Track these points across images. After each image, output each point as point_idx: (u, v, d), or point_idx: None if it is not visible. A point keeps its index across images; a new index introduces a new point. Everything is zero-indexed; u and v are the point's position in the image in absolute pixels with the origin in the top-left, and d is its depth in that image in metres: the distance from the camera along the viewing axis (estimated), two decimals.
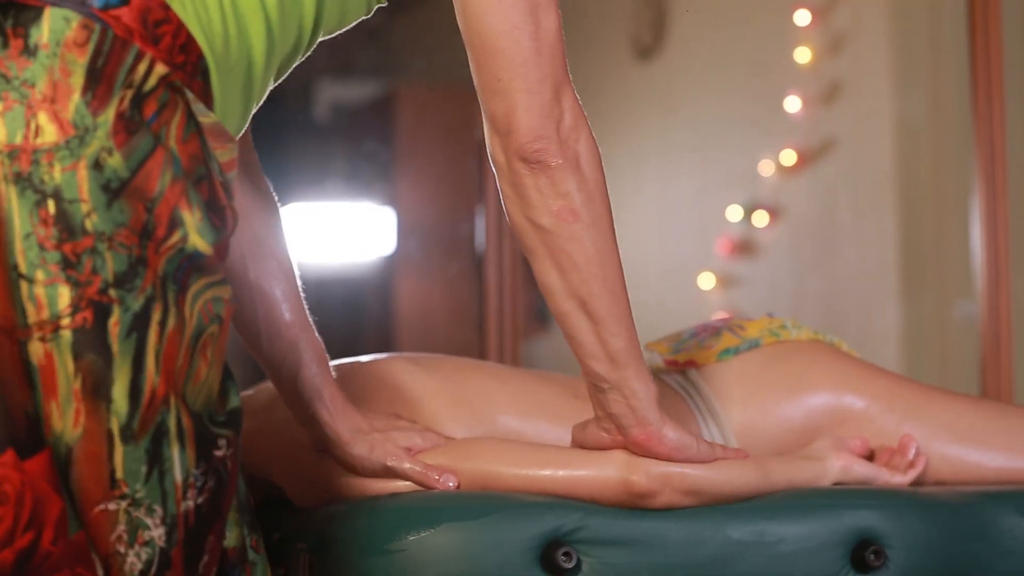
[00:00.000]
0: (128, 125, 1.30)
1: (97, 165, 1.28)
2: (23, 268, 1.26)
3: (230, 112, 1.49)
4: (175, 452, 1.31)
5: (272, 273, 1.74)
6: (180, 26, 1.37)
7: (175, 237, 1.31)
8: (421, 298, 5.61)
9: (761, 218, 4.52)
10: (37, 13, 1.31)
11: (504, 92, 1.62)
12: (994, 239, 3.30)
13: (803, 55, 4.47)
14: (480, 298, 3.55)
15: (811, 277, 4.51)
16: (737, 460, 1.79)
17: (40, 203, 1.26)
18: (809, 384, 2.01)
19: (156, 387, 1.29)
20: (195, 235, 1.33)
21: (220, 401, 1.38)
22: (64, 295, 1.26)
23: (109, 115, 1.29)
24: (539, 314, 4.71)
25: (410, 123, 5.79)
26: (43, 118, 1.28)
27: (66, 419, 1.27)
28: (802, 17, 4.47)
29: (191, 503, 1.32)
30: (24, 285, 1.26)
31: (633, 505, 1.70)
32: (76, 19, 1.31)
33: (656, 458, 1.71)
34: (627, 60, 5.23)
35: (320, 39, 1.62)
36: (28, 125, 1.27)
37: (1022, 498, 1.85)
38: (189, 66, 1.38)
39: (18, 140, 1.27)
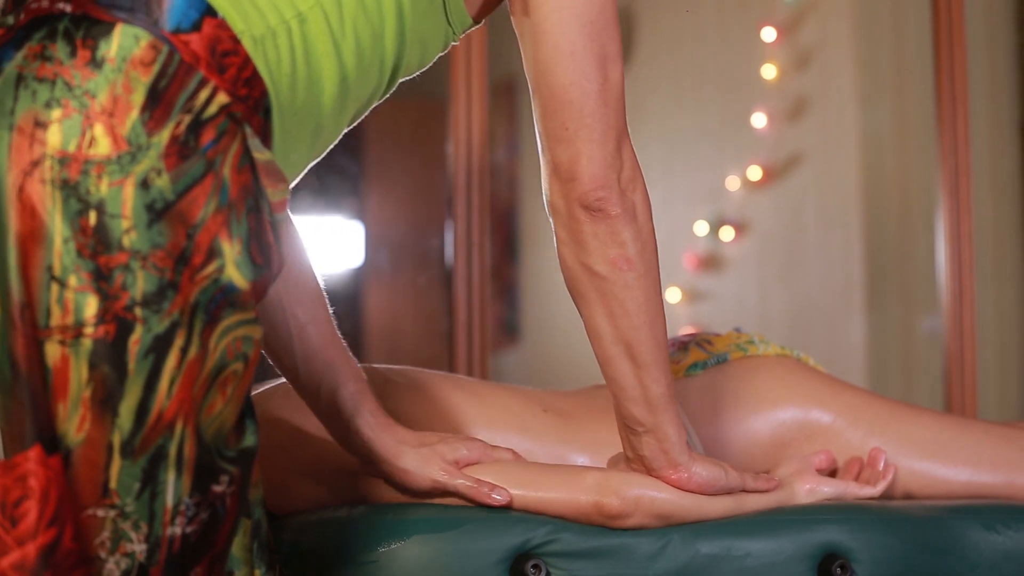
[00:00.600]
0: (181, 149, 1.31)
1: (144, 184, 1.29)
2: (57, 270, 1.27)
3: (292, 153, 1.49)
4: (170, 477, 1.31)
5: (303, 296, 1.74)
6: (247, 60, 1.38)
7: (211, 267, 1.32)
8: (390, 311, 5.61)
9: (727, 233, 4.53)
10: (109, 28, 1.32)
11: (570, 141, 1.65)
12: (958, 254, 3.33)
13: (769, 71, 4.49)
14: (449, 311, 3.55)
15: (777, 292, 4.53)
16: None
17: (82, 212, 1.27)
18: (776, 399, 2.02)
19: (164, 410, 1.30)
20: (232, 268, 1.33)
21: (233, 437, 1.37)
22: (91, 304, 1.27)
23: (164, 137, 1.30)
24: (507, 327, 4.72)
25: (379, 137, 5.79)
26: (99, 130, 1.29)
27: (71, 422, 1.28)
28: (768, 34, 4.49)
29: (178, 529, 1.32)
30: (55, 287, 1.27)
31: (604, 525, 1.71)
32: (146, 39, 1.33)
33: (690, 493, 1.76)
34: None
35: (401, 80, 1.64)
36: (83, 135, 1.28)
37: (987, 512, 1.86)
38: (251, 100, 1.38)
39: (71, 148, 1.28)
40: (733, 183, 4.53)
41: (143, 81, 1.31)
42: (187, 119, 1.32)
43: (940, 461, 2.02)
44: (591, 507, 1.71)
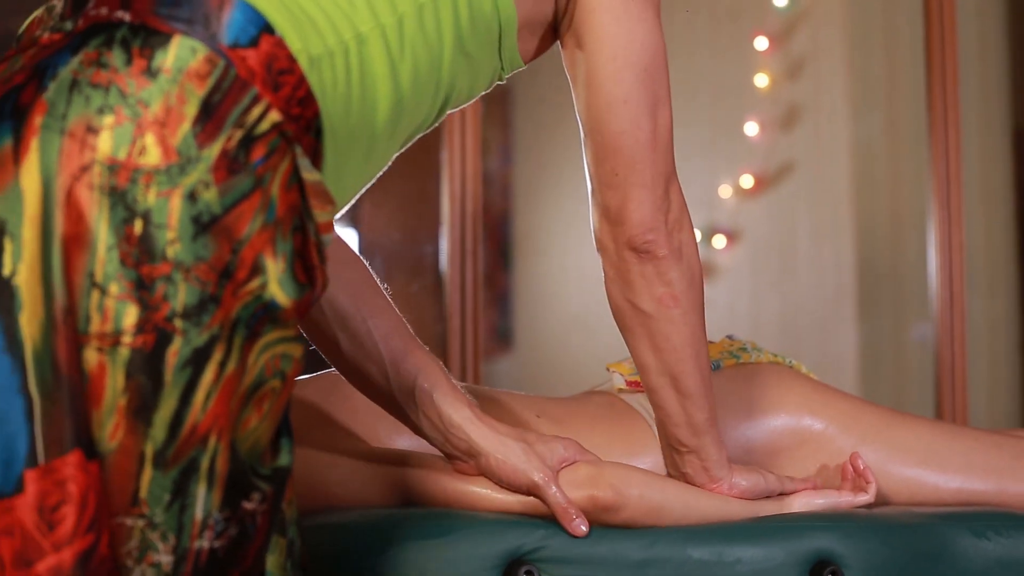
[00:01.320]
0: (231, 164, 1.30)
1: (192, 196, 1.27)
2: (99, 277, 1.26)
3: (343, 175, 1.49)
4: (201, 490, 1.30)
5: (379, 305, 1.75)
6: (302, 80, 1.38)
7: (254, 283, 1.31)
8: None
9: (720, 241, 4.54)
10: (166, 39, 1.32)
11: (619, 186, 1.69)
12: (949, 262, 3.34)
13: (761, 80, 4.50)
14: (442, 318, 3.56)
15: (769, 299, 4.53)
16: (691, 488, 1.82)
17: (128, 221, 1.26)
18: (768, 406, 2.03)
19: (198, 423, 1.28)
20: (275, 285, 1.32)
21: (269, 455, 1.37)
22: (131, 313, 1.26)
23: (214, 150, 1.29)
24: (500, 334, 4.72)
25: None
26: (150, 139, 1.28)
27: (105, 429, 1.27)
28: (761, 43, 4.50)
29: (206, 543, 1.31)
30: (96, 294, 1.26)
31: (597, 519, 1.72)
32: (203, 52, 1.32)
33: None
34: None
35: (448, 112, 1.65)
36: (134, 143, 1.27)
37: (977, 519, 1.87)
38: (304, 120, 1.38)
39: (121, 155, 1.27)
40: (725, 191, 4.54)
41: (197, 94, 1.30)
42: (238, 134, 1.31)
43: (931, 468, 2.02)
44: (586, 500, 1.72)
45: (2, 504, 1.24)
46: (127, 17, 1.33)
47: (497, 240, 4.82)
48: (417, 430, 1.77)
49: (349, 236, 6.32)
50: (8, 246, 1.25)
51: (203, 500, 1.30)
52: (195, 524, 1.30)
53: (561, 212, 4.28)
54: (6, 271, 1.25)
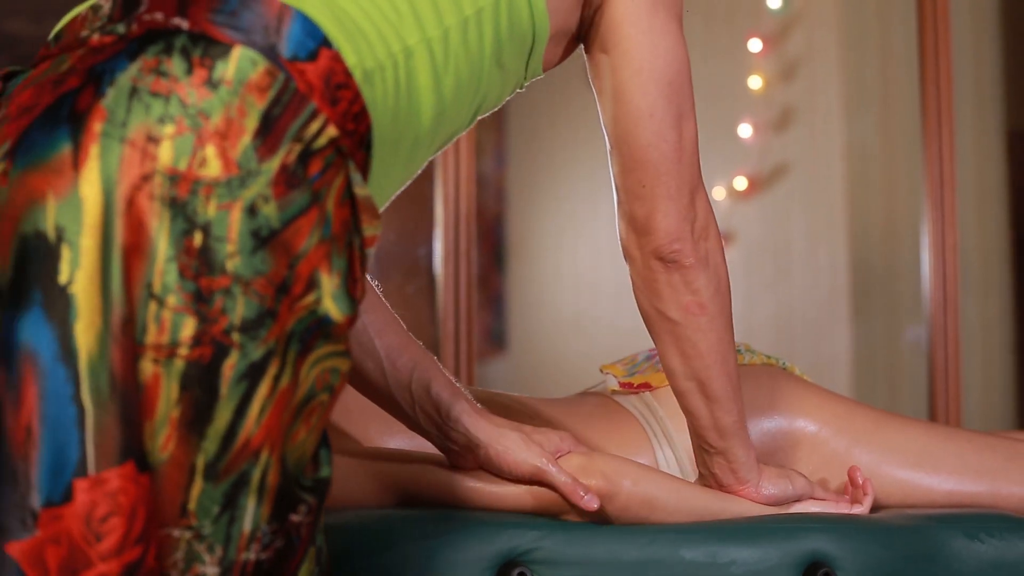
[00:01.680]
0: (290, 179, 1.29)
1: (251, 210, 1.27)
2: (157, 288, 1.25)
3: (384, 186, 1.50)
4: (251, 503, 1.30)
5: (373, 302, 1.75)
6: (357, 95, 1.38)
7: (310, 298, 1.30)
8: None
9: None
10: (226, 50, 1.31)
11: (646, 198, 1.70)
12: (943, 264, 3.34)
13: (755, 82, 4.51)
14: (435, 320, 3.56)
15: (763, 301, 4.53)
16: (684, 482, 1.82)
17: (188, 233, 1.25)
18: (762, 408, 2.03)
19: (251, 437, 1.28)
20: (329, 300, 1.31)
21: (311, 467, 1.37)
22: (189, 326, 1.25)
23: (274, 164, 1.29)
24: (493, 336, 4.72)
25: None
26: (211, 151, 1.27)
27: (156, 440, 1.26)
28: (755, 45, 4.50)
29: (252, 556, 1.30)
30: (153, 304, 1.25)
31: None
32: (263, 64, 1.31)
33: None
34: (586, 88, 5.24)
35: (479, 118, 1.67)
36: (195, 154, 1.26)
37: (971, 521, 1.87)
38: (357, 136, 1.38)
39: (181, 166, 1.26)
40: (719, 193, 4.54)
41: (257, 107, 1.29)
42: (297, 148, 1.30)
43: (924, 470, 2.02)
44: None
45: (50, 512, 1.23)
46: (184, 25, 1.33)
47: (491, 242, 4.82)
48: (414, 426, 1.77)
49: None
50: (66, 253, 1.24)
51: (252, 513, 1.30)
52: (243, 536, 1.30)
53: (554, 215, 4.28)
54: (63, 278, 1.24)
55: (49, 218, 1.25)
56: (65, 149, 1.26)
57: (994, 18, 4.51)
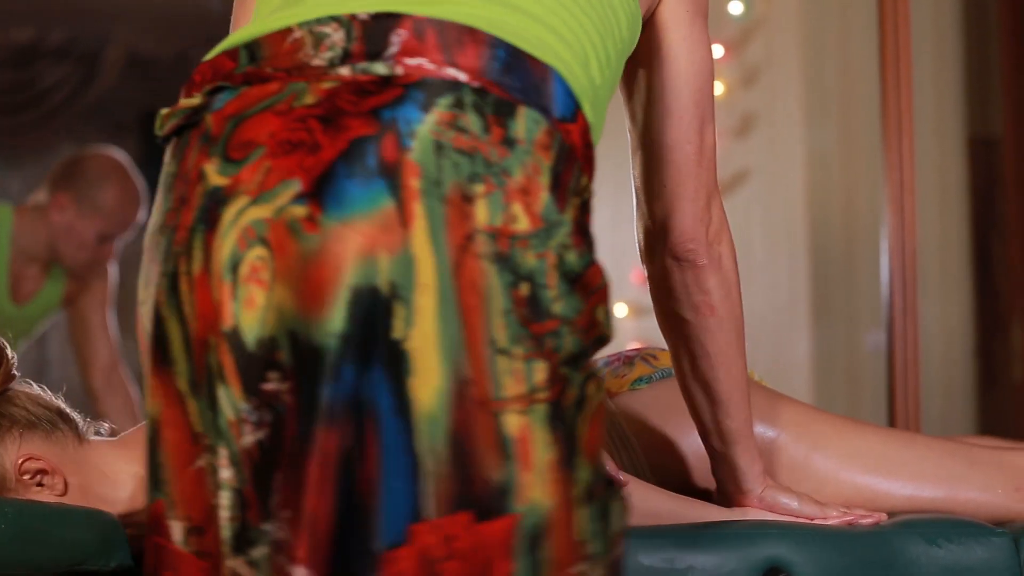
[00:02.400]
0: (580, 229, 1.35)
1: (560, 258, 1.31)
2: (503, 342, 1.27)
3: None
4: (615, 508, 1.34)
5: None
6: (594, 151, 1.43)
7: (597, 329, 1.35)
8: None
9: None
10: (512, 108, 1.33)
11: (666, 198, 1.76)
12: (903, 270, 3.34)
13: (717, 88, 4.51)
14: None
15: None
16: (650, 487, 1.82)
17: (514, 284, 1.28)
18: None
19: (588, 453, 1.31)
20: (608, 327, 1.36)
21: None
22: (541, 369, 1.28)
23: (568, 216, 1.33)
24: None
25: None
26: (517, 208, 1.30)
27: (542, 489, 1.27)
28: (716, 51, 4.51)
29: (620, 551, 1.34)
30: (503, 359, 1.27)
31: None
32: (544, 124, 1.34)
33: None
34: None
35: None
36: (505, 211, 1.30)
37: (929, 526, 1.87)
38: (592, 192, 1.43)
39: (497, 223, 1.29)
40: None
41: (546, 164, 1.33)
42: (577, 202, 1.36)
43: (883, 476, 2.03)
44: None
45: (389, 555, 1.25)
46: (463, 78, 1.34)
47: None
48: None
49: None
50: (399, 311, 1.25)
51: (616, 514, 1.34)
52: (616, 536, 1.34)
53: None
54: (396, 334, 1.25)
55: (382, 274, 1.26)
56: (387, 205, 1.27)
57: (955, 25, 4.53)
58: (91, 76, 6.42)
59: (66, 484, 1.89)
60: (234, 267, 1.30)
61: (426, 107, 1.31)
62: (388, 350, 1.25)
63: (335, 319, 1.26)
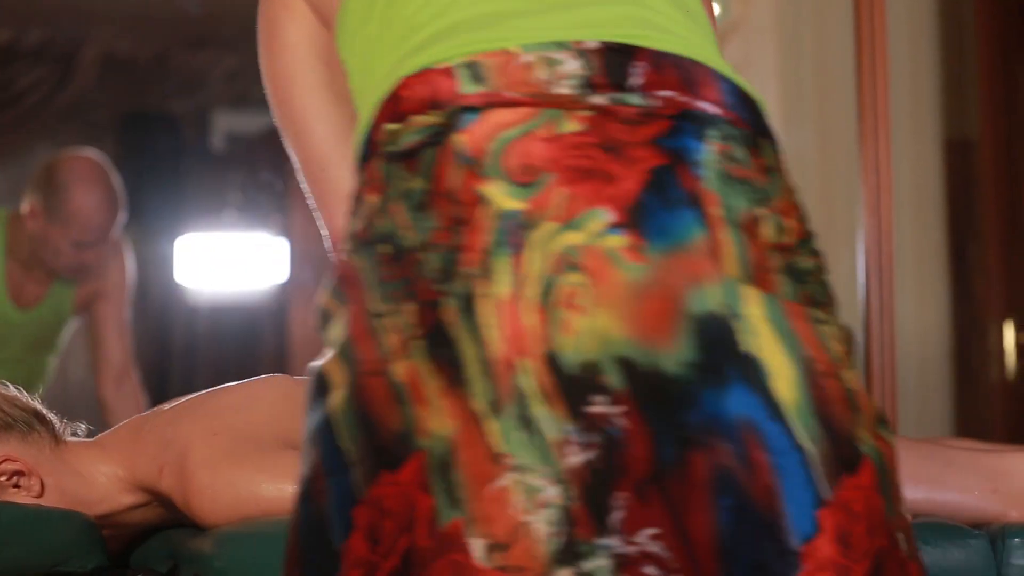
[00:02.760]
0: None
1: (817, 254, 1.43)
2: (820, 316, 1.38)
3: None
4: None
5: None
6: None
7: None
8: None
9: None
10: (754, 139, 1.42)
11: None
12: (879, 271, 3.35)
13: None
14: None
15: None
16: None
17: (801, 287, 1.39)
18: None
19: None
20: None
21: None
22: (837, 336, 1.39)
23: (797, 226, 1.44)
24: None
25: None
26: (787, 224, 1.40)
27: (871, 431, 1.36)
28: None
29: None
30: (824, 327, 1.38)
31: None
32: (777, 151, 1.44)
33: None
34: None
35: None
36: (782, 228, 1.39)
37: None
38: None
39: (777, 240, 1.38)
40: None
41: (789, 184, 1.44)
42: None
43: None
44: None
45: (807, 548, 1.29)
46: (715, 111, 1.40)
47: None
48: None
49: (281, 245, 6.30)
50: (739, 327, 1.33)
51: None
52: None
53: None
54: (743, 348, 1.32)
55: (714, 298, 1.32)
56: (700, 233, 1.34)
57: (931, 27, 4.54)
58: (68, 77, 6.40)
59: (43, 485, 1.89)
60: (546, 291, 1.32)
61: (700, 138, 1.38)
62: (743, 365, 1.32)
63: (684, 348, 1.31)
